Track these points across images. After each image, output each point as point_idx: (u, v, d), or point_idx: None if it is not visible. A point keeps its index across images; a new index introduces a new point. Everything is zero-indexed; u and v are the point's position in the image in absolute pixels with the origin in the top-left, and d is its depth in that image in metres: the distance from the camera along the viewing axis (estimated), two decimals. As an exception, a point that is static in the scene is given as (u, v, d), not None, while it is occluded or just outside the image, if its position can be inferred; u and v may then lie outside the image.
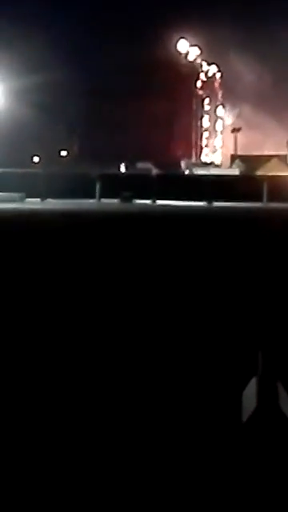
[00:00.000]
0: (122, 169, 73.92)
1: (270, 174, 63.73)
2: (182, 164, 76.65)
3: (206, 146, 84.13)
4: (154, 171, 67.48)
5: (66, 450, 5.13)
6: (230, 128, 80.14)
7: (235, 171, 71.80)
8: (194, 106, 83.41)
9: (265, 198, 55.33)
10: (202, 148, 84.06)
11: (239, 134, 77.86)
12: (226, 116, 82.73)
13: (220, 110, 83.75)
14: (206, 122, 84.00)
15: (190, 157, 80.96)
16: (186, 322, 9.60)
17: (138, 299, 11.46)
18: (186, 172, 73.95)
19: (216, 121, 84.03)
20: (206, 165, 78.75)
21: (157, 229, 28.88)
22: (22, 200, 53.88)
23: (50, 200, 54.72)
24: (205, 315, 10.10)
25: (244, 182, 60.02)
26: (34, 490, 4.40)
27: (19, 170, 61.15)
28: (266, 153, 76.69)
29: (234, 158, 78.48)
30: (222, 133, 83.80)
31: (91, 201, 55.05)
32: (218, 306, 10.83)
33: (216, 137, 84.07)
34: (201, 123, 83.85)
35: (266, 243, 21.60)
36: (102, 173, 59.15)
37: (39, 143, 74.42)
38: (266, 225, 31.29)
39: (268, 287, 12.58)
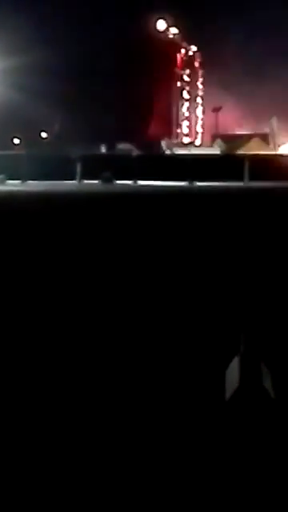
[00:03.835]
0: (103, 150, 73.71)
1: (251, 153, 63.77)
2: (162, 144, 76.49)
3: (186, 126, 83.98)
4: (135, 152, 67.36)
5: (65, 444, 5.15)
6: (211, 107, 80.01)
7: (216, 151, 71.77)
8: (174, 86, 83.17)
9: (246, 178, 55.41)
10: (182, 128, 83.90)
11: (220, 113, 77.79)
12: (206, 95, 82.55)
13: (200, 89, 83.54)
14: (185, 102, 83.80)
15: (170, 137, 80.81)
16: (168, 302, 9.63)
17: (121, 280, 11.49)
18: (167, 152, 73.83)
19: (196, 100, 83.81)
20: (186, 145, 78.62)
21: (140, 208, 28.88)
22: (2, 182, 53.87)
23: (30, 182, 54.63)
24: (188, 295, 10.15)
25: (225, 162, 60.06)
26: (33, 490, 4.41)
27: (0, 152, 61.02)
28: (247, 132, 76.70)
29: (214, 137, 78.42)
30: (202, 112, 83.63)
31: (72, 182, 54.98)
32: (201, 287, 10.87)
33: (197, 117, 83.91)
34: (181, 103, 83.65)
35: (250, 223, 21.65)
36: (83, 154, 59.04)
37: (20, 125, 74.05)
38: (249, 204, 31.35)
39: (251, 268, 12.63)
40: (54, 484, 4.40)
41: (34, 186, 50.12)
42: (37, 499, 4.23)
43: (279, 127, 75.50)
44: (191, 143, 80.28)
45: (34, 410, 5.56)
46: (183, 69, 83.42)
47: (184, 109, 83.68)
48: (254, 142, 73.09)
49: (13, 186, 50.13)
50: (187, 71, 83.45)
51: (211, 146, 76.83)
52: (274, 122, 74.80)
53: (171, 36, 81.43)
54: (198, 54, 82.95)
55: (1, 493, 4.30)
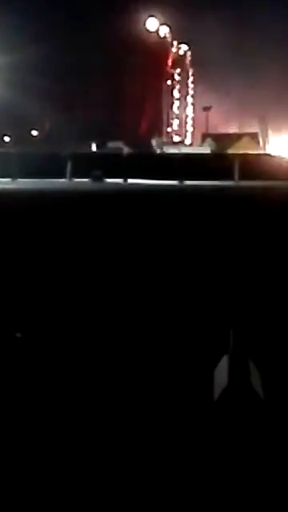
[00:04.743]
0: (94, 148, 73.59)
1: (241, 152, 63.79)
2: (153, 143, 76.41)
3: (177, 124, 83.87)
4: (125, 150, 67.28)
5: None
6: (201, 106, 79.90)
7: (206, 150, 71.76)
8: (165, 84, 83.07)
9: (236, 177, 55.42)
10: (172, 127, 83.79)
11: (210, 112, 77.70)
12: (197, 94, 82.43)
13: (190, 88, 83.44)
14: (176, 100, 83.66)
15: (160, 135, 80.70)
16: (157, 300, 9.64)
17: (110, 278, 11.49)
18: (157, 151, 73.77)
19: (186, 99, 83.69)
20: (176, 143, 78.55)
21: (130, 207, 28.85)
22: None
23: (20, 180, 54.52)
24: (177, 293, 10.16)
25: (215, 161, 60.04)
26: (34, 490, 4.42)
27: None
28: (237, 131, 76.68)
29: (205, 136, 78.37)
30: (192, 111, 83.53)
31: (62, 180, 54.90)
32: (190, 286, 10.89)
33: (187, 115, 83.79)
34: (172, 102, 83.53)
35: (240, 222, 21.67)
36: (73, 152, 58.91)
37: (10, 122, 73.88)
38: (239, 203, 31.37)
39: (240, 267, 12.66)
40: (51, 481, 4.43)
41: (24, 183, 50.03)
42: (37, 498, 4.25)
43: (268, 126, 75.56)
44: (181, 142, 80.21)
45: (31, 406, 5.58)
46: (174, 67, 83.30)
47: (174, 107, 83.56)
48: (244, 141, 73.10)
49: (3, 183, 50.01)
50: (178, 70, 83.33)
51: (201, 144, 76.79)
52: (264, 120, 74.86)
53: (162, 35, 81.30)
54: (188, 53, 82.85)
55: (1, 492, 4.32)
